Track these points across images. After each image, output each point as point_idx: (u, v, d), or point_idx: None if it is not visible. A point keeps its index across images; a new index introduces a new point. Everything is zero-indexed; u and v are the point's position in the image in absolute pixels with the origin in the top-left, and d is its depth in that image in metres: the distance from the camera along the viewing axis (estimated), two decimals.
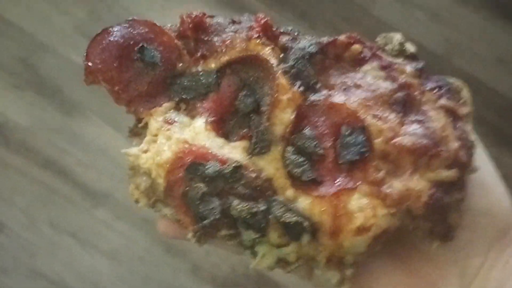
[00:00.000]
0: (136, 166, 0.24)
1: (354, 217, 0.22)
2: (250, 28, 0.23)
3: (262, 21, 0.24)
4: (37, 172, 0.46)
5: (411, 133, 0.23)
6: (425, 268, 0.24)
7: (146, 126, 0.24)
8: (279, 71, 0.23)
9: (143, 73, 0.24)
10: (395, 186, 0.22)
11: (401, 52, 0.25)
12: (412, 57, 0.25)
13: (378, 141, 0.23)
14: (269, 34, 0.24)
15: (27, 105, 0.48)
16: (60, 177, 0.46)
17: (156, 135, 0.23)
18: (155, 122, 0.23)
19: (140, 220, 0.46)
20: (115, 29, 0.24)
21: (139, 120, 0.25)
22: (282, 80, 0.23)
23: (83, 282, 0.44)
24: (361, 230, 0.22)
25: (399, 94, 0.23)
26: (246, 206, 0.22)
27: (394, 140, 0.22)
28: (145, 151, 0.23)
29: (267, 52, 0.23)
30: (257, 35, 0.23)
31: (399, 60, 0.25)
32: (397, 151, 0.23)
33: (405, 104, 0.24)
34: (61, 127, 0.48)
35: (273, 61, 0.23)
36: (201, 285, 0.44)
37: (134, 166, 0.24)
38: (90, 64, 0.23)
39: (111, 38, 0.23)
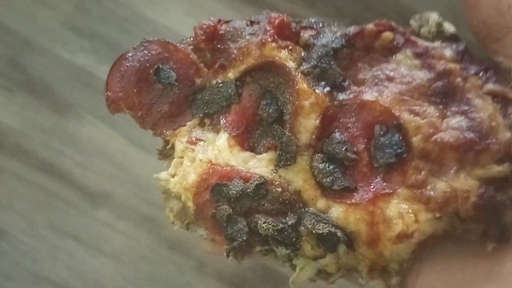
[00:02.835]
0: (167, 190, 0.31)
1: (393, 224, 0.27)
2: (265, 31, 0.29)
3: (277, 22, 0.29)
4: (34, 176, 0.57)
5: (453, 126, 0.27)
6: (482, 262, 0.28)
7: (173, 147, 0.31)
8: (298, 75, 0.29)
9: (163, 94, 0.31)
10: (439, 187, 0.27)
11: (439, 34, 0.29)
12: (452, 38, 0.29)
13: (416, 139, 0.27)
14: (286, 33, 0.30)
15: (18, 107, 0.59)
16: (58, 179, 0.57)
17: (182, 157, 0.30)
18: (180, 143, 0.30)
19: (141, 218, 0.56)
20: (130, 54, 0.31)
21: (167, 142, 0.32)
22: (302, 85, 0.28)
23: (88, 285, 0.55)
24: (402, 237, 0.27)
25: (438, 84, 0.28)
26: (271, 224, 0.28)
27: (435, 137, 0.27)
28: (173, 175, 0.31)
29: (283, 56, 0.29)
30: (271, 38, 0.29)
31: (437, 44, 0.29)
32: (439, 148, 0.27)
33: (445, 94, 0.28)
34: (55, 128, 0.58)
35: (291, 64, 0.29)
36: (207, 282, 0.54)
37: (165, 190, 0.31)
38: (110, 94, 0.30)
39: (128, 64, 0.30)
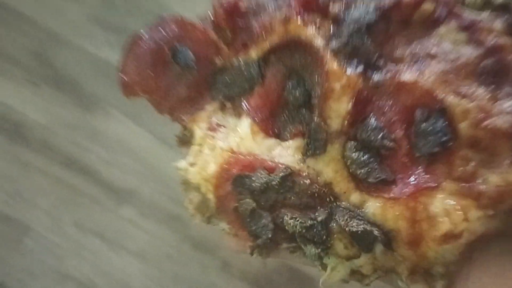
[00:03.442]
0: (187, 181, 0.29)
1: (438, 222, 0.25)
2: (289, 5, 0.27)
3: None
4: (59, 172, 0.57)
5: (507, 110, 0.24)
6: None
7: (193, 134, 0.29)
8: (327, 54, 0.26)
9: (181, 76, 0.29)
10: (491, 180, 0.24)
11: (486, 4, 0.26)
12: (501, 9, 0.26)
13: (463, 125, 0.25)
14: (313, 6, 0.27)
15: (44, 102, 0.59)
16: (83, 176, 0.57)
17: (201, 145, 0.29)
18: (199, 130, 0.29)
19: (166, 217, 0.56)
20: (145, 34, 0.29)
21: (185, 128, 0.30)
22: (332, 65, 0.26)
23: (113, 283, 0.55)
24: (449, 237, 0.25)
25: (488, 61, 0.25)
26: (298, 220, 0.26)
27: (486, 122, 0.24)
28: (192, 164, 0.29)
29: (309, 33, 0.26)
30: (296, 13, 0.27)
31: (485, 15, 0.26)
32: (491, 135, 0.24)
33: (497, 73, 0.25)
34: (81, 124, 0.58)
35: (319, 42, 0.26)
36: (232, 282, 0.53)
37: (184, 181, 0.29)
38: (125, 77, 0.29)
39: (143, 45, 0.29)
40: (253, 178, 0.27)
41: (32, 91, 0.61)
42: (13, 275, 0.58)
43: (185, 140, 0.30)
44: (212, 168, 0.28)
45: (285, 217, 0.26)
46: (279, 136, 0.28)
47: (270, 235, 0.27)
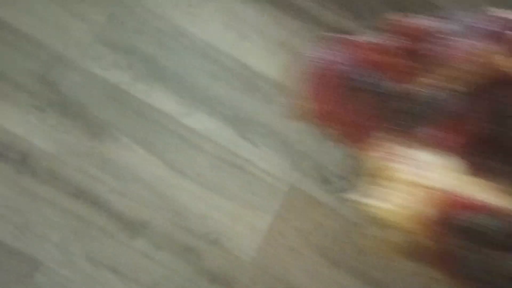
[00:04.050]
0: (381, 219, 0.26)
1: None
2: (485, 36, 0.25)
3: (507, 27, 0.25)
4: (68, 203, 0.53)
5: None
6: None
7: (377, 168, 0.27)
8: None
9: (365, 103, 0.27)
10: None
11: None
12: None
13: None
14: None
15: (51, 129, 0.56)
16: (93, 207, 0.54)
17: (391, 179, 0.26)
18: (387, 162, 0.26)
19: (181, 249, 0.54)
20: (321, 58, 0.27)
21: (367, 159, 0.27)
22: None
23: None
24: None
25: None
26: None
27: None
28: (385, 200, 0.26)
29: None
30: (500, 47, 0.25)
31: None
32: None
33: None
34: (89, 152, 0.56)
35: None
36: None
37: (378, 218, 0.26)
38: (316, 107, 0.27)
39: (324, 72, 0.27)
40: (475, 221, 0.25)
41: (38, 118, 0.57)
42: None
43: (372, 174, 0.28)
44: (417, 207, 0.26)
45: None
46: (486, 175, 0.26)
47: (490, 279, 0.25)
